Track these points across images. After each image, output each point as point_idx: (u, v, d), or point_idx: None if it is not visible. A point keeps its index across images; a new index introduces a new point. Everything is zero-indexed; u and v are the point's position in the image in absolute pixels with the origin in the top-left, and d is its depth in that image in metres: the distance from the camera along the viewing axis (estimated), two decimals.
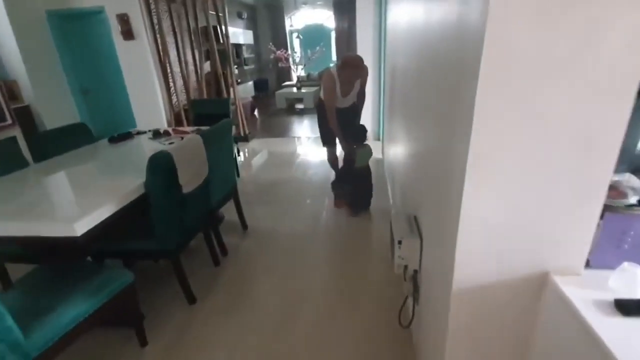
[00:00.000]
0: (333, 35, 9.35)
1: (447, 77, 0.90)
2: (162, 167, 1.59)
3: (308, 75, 9.09)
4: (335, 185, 3.05)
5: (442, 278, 0.97)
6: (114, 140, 2.50)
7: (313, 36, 9.50)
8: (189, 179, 1.76)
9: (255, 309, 1.87)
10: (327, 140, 3.02)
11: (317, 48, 8.00)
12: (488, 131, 0.69)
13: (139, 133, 2.73)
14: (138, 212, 1.62)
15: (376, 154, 4.40)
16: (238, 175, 3.80)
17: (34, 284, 1.44)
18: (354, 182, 2.79)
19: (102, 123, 4.97)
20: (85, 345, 1.64)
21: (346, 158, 2.86)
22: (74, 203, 1.55)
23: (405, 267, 1.37)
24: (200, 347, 1.65)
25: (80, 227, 1.28)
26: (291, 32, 10.27)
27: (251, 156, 4.73)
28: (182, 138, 2.44)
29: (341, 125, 2.80)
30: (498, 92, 0.66)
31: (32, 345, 1.15)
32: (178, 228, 1.78)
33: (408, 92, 1.78)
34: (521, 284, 0.84)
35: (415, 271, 1.37)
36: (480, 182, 0.73)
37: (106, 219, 1.42)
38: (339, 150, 3.03)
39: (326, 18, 9.47)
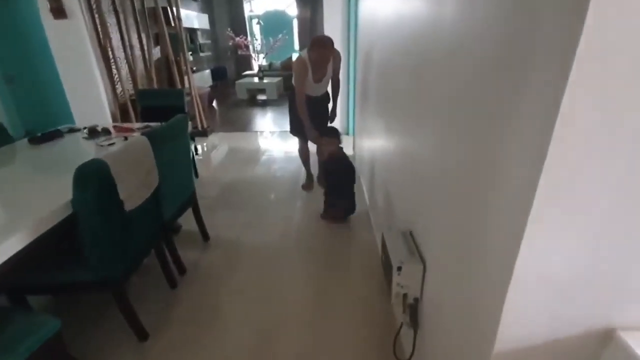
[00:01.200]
0: (295, 23, 8.95)
1: (485, 69, 0.68)
2: (93, 181, 1.23)
3: (270, 65, 8.66)
4: (330, 193, 2.55)
5: (475, 332, 0.76)
6: (36, 140, 2.03)
7: (274, 23, 9.04)
8: (133, 192, 1.41)
9: (222, 342, 1.58)
10: (298, 129, 2.78)
11: (280, 36, 7.59)
12: (576, 154, 0.47)
13: (71, 131, 2.27)
14: (64, 237, 1.26)
15: (346, 150, 4.21)
16: (196, 176, 3.40)
17: None
18: (341, 182, 2.47)
19: (32, 118, 4.30)
20: None
21: (323, 160, 2.62)
22: None
23: (405, 295, 1.16)
24: None
25: None
26: (251, 18, 9.70)
27: (211, 153, 4.32)
28: (126, 138, 2.05)
29: (311, 115, 2.57)
30: (597, 98, 0.44)
31: None
32: (120, 255, 1.43)
33: (395, 86, 1.55)
34: (577, 343, 0.65)
35: (416, 299, 1.16)
36: (554, 223, 0.52)
37: (16, 254, 1.05)
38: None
39: (287, 5, 9.04)
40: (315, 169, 3.15)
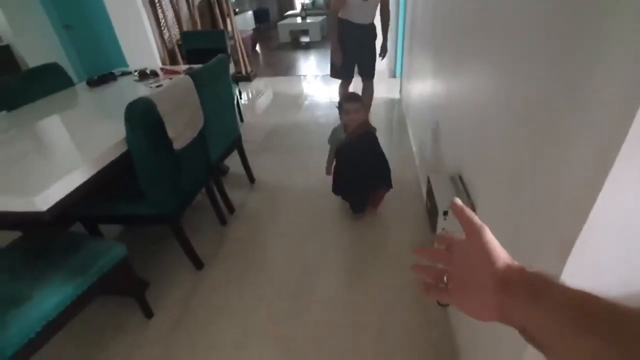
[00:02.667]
0: None
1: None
2: (142, 119, 1.27)
3: (313, 3, 8.14)
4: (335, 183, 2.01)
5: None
6: (93, 83, 2.14)
7: None
8: (181, 131, 1.45)
9: (268, 277, 1.69)
10: (337, 71, 2.63)
11: None
12: None
13: (123, 74, 2.35)
14: (123, 172, 1.35)
15: (392, 93, 3.97)
16: (242, 121, 3.45)
17: (11, 264, 1.23)
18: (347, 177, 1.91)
19: (90, 62, 4.52)
20: (87, 313, 1.50)
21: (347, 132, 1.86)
22: (41, 168, 1.27)
23: None
24: (210, 320, 1.50)
25: (44, 201, 1.02)
26: None
27: (254, 98, 4.32)
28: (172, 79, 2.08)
29: (353, 50, 2.34)
30: None
31: (8, 341, 0.97)
32: (173, 192, 1.52)
33: (453, 18, 1.36)
34: None
35: None
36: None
37: (81, 186, 1.15)
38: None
39: None
40: None
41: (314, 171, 2.54)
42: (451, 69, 1.41)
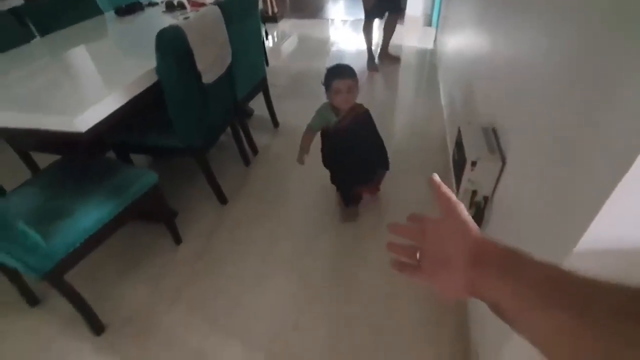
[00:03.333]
0: None
1: None
2: (173, 47, 1.26)
3: None
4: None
5: (551, 233, 0.71)
6: (121, 12, 2.10)
7: None
8: (209, 64, 1.44)
9: (289, 216, 1.76)
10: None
11: None
12: None
13: (150, 4, 2.29)
14: (154, 103, 1.37)
15: (426, 43, 3.73)
16: (267, 64, 3.36)
17: (52, 183, 1.32)
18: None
19: None
20: (120, 236, 1.62)
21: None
22: (78, 93, 1.31)
23: (474, 192, 1.11)
24: (233, 250, 1.60)
25: (83, 123, 1.06)
26: None
27: (280, 41, 4.16)
28: None
29: None
30: None
31: (54, 249, 1.07)
32: (201, 125, 1.55)
33: None
34: None
35: (486, 198, 1.12)
36: None
37: (115, 112, 1.19)
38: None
39: None
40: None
41: None
42: (494, 21, 1.30)
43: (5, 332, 1.34)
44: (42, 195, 1.25)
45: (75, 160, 1.41)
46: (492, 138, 1.10)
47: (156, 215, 1.64)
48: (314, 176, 2.00)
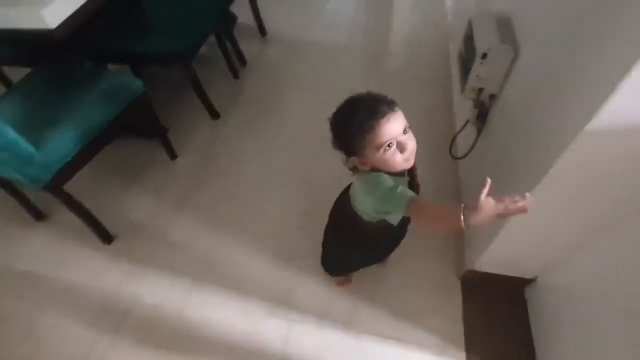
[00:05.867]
0: None
1: None
2: None
3: None
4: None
5: (562, 110, 0.70)
6: None
7: None
8: None
9: (286, 128, 1.72)
10: None
11: None
12: None
13: None
14: (131, 6, 1.22)
15: None
16: None
17: (33, 91, 1.22)
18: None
19: None
20: (117, 153, 1.60)
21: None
22: None
23: (480, 90, 1.07)
24: (232, 163, 1.59)
25: (53, 16, 0.93)
26: None
27: None
28: None
29: None
30: None
31: (47, 157, 1.04)
32: (185, 22, 1.40)
33: None
34: None
35: (492, 96, 1.08)
36: None
37: (86, 6, 1.05)
38: None
39: None
40: None
41: (334, 24, 2.31)
42: None
43: (18, 245, 1.38)
44: (25, 107, 1.17)
45: (53, 69, 1.29)
46: (506, 29, 1.03)
47: (148, 130, 1.58)
48: (310, 84, 1.92)
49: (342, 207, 0.91)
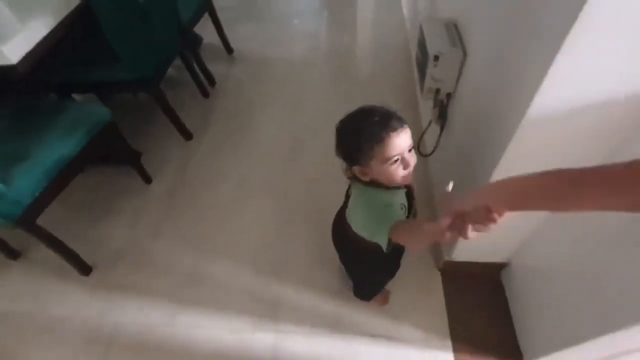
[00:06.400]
0: None
1: None
2: None
3: None
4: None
5: (507, 102, 0.76)
6: None
7: None
8: None
9: (259, 143, 1.74)
10: None
11: None
12: None
13: None
14: (93, 34, 1.23)
15: None
16: None
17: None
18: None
19: None
20: (90, 182, 1.58)
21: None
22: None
23: (437, 90, 1.14)
24: (207, 182, 1.60)
25: (13, 51, 0.94)
26: None
27: None
28: None
29: None
30: None
31: (17, 192, 1.02)
32: (148, 48, 1.42)
33: None
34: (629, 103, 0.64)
35: (449, 95, 1.15)
36: None
37: (47, 39, 1.05)
38: None
39: None
40: None
41: (298, 39, 2.38)
42: None
43: None
44: None
45: (17, 103, 1.28)
46: (454, 32, 1.10)
47: (120, 157, 1.57)
48: (279, 99, 1.96)
49: (344, 234, 0.90)
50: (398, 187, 0.77)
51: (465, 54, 1.03)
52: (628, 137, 0.68)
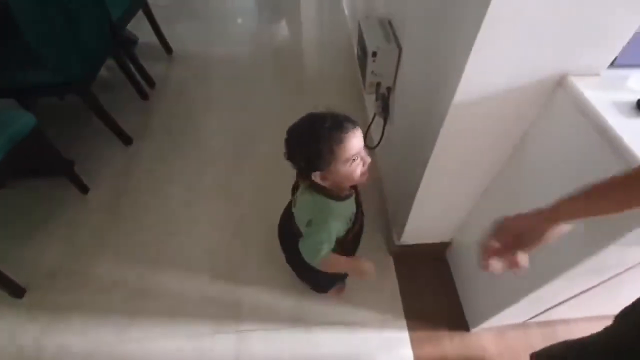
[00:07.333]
0: None
1: None
2: None
3: None
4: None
5: (437, 91, 0.83)
6: None
7: None
8: None
9: (205, 145, 1.70)
10: None
11: None
12: None
13: None
14: (7, 27, 1.11)
15: None
16: None
17: None
18: None
19: None
20: (17, 197, 1.43)
21: None
22: None
23: (378, 84, 1.20)
24: (153, 188, 1.52)
25: None
26: None
27: None
28: None
29: None
30: None
31: None
32: (73, 49, 1.31)
33: None
34: (532, 88, 0.73)
35: (389, 88, 1.22)
36: None
37: None
38: None
39: None
40: None
41: (240, 39, 2.35)
42: None
43: None
44: None
45: None
46: (389, 29, 1.17)
47: (50, 167, 1.44)
48: (223, 99, 1.92)
49: (292, 233, 0.92)
50: (348, 196, 0.83)
51: (400, 48, 1.10)
52: (534, 121, 0.78)
